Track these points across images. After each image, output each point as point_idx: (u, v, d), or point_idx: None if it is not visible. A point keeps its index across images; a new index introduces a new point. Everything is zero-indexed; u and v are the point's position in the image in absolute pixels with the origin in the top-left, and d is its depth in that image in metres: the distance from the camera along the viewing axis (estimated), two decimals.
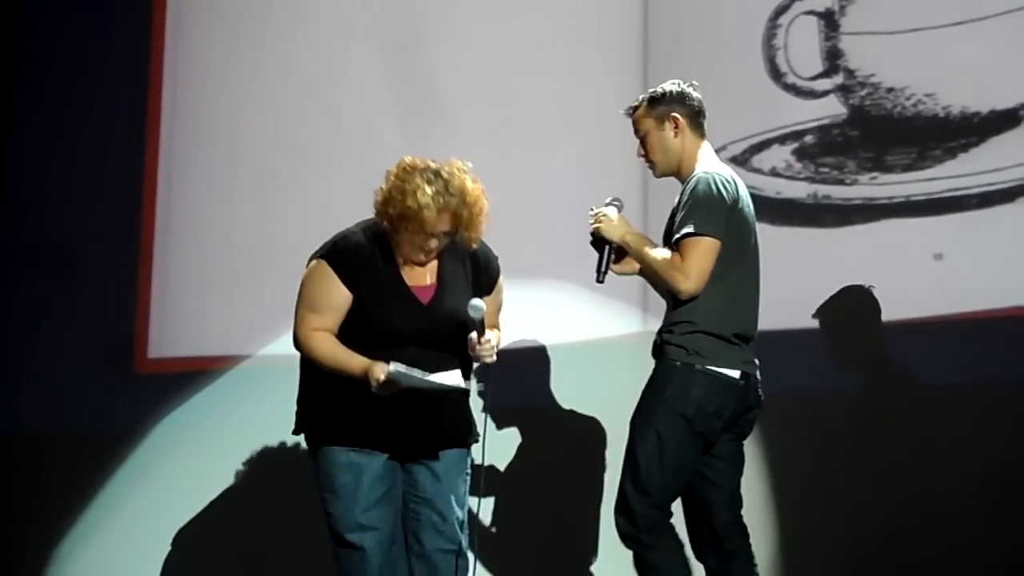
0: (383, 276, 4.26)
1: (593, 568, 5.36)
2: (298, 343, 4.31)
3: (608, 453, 5.35)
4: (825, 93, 5.39)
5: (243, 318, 5.95)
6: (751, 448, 5.15)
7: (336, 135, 5.92)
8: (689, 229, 4.26)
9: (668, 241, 4.39)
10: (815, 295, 5.21)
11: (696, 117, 4.47)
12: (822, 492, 5.17)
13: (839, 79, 5.36)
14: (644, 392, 4.35)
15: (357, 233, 4.32)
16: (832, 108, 5.35)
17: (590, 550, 5.37)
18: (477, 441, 4.39)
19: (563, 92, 5.67)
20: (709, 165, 4.40)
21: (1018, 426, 5.01)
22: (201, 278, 6.09)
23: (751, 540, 4.44)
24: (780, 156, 5.38)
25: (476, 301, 4.19)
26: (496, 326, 4.42)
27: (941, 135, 5.21)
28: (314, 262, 4.31)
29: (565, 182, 5.58)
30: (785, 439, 5.21)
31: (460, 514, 4.33)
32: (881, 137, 5.30)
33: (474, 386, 4.54)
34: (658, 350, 4.36)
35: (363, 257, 4.27)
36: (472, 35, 5.89)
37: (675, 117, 4.42)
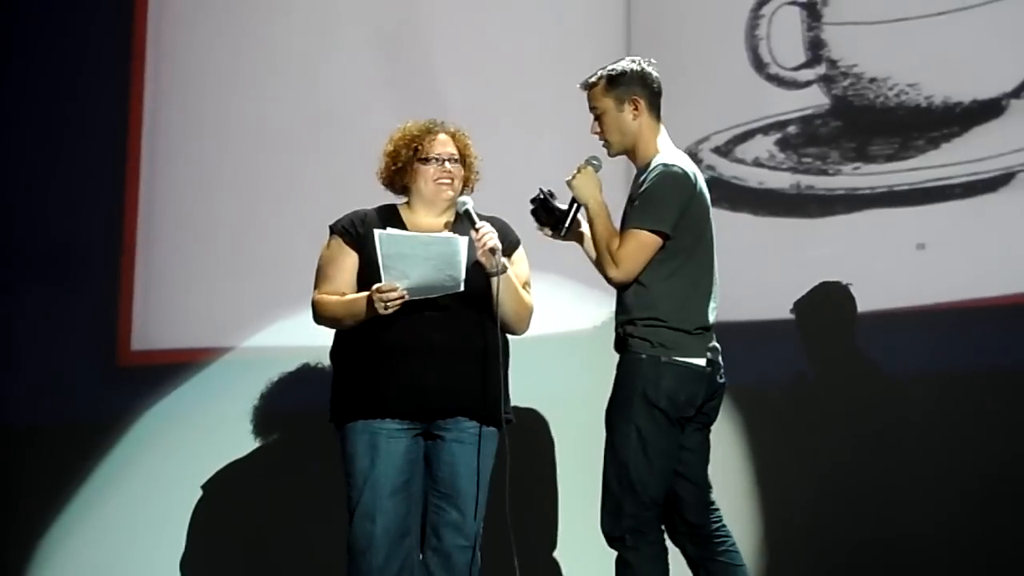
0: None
1: (586, 562, 5.38)
2: (312, 311, 4.45)
3: (592, 444, 5.35)
4: (808, 83, 5.39)
5: (227, 310, 5.94)
6: (732, 438, 5.19)
7: (320, 125, 5.91)
8: (635, 223, 4.28)
9: (622, 227, 4.37)
10: (798, 285, 5.21)
11: (655, 99, 4.42)
12: (803, 480, 5.18)
13: (822, 69, 5.36)
14: (615, 388, 4.34)
15: (364, 208, 4.52)
16: (815, 98, 5.35)
17: (579, 542, 5.38)
18: (509, 423, 4.39)
19: (545, 82, 5.64)
20: (668, 154, 4.38)
21: (1002, 414, 5.01)
22: (185, 270, 6.07)
23: (732, 529, 4.45)
24: (763, 146, 5.38)
25: (461, 197, 4.42)
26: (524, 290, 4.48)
27: (924, 125, 5.21)
28: None
29: (547, 173, 5.55)
30: (766, 429, 5.22)
31: (479, 507, 4.35)
32: (864, 127, 5.30)
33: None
34: (621, 342, 4.34)
35: (366, 217, 4.45)
36: (456, 25, 5.87)
37: (636, 100, 4.38)
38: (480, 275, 4.32)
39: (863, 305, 5.16)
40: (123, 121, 6.19)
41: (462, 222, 4.42)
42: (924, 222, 5.18)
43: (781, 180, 5.36)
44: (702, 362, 4.30)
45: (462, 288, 4.26)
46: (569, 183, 4.42)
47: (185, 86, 6.17)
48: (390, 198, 4.62)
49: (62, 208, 6.24)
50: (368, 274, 4.34)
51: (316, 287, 4.47)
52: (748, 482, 5.24)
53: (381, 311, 4.24)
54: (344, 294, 4.41)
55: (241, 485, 5.78)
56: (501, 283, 4.32)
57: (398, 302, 4.23)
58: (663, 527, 4.35)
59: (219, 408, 5.81)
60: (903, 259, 5.16)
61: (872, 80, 5.27)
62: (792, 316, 5.23)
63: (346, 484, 4.37)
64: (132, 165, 6.17)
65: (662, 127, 4.45)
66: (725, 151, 5.36)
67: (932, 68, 5.20)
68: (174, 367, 5.98)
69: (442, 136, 4.52)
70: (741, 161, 5.38)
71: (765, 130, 5.41)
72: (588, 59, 5.58)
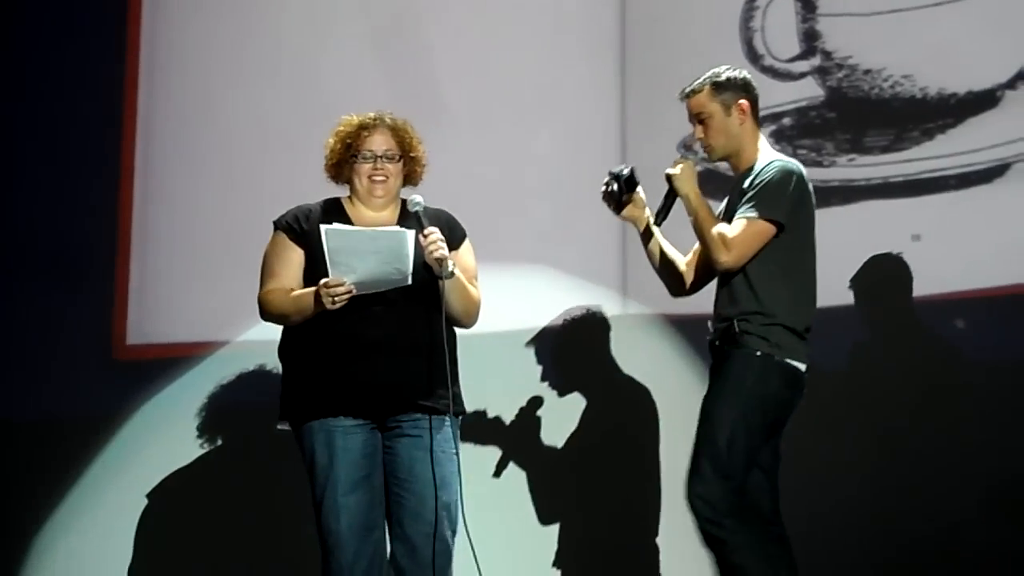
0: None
1: (579, 553, 5.38)
2: (260, 309, 4.44)
3: (586, 436, 5.37)
4: (802, 75, 5.39)
5: (222, 304, 5.94)
6: None
7: (315, 121, 5.85)
8: (749, 212, 4.32)
9: (727, 219, 4.42)
10: None
11: (757, 104, 4.51)
12: (806, 467, 5.17)
13: (816, 61, 5.36)
14: (721, 378, 4.37)
15: (309, 203, 4.50)
16: (810, 90, 5.36)
17: (576, 529, 5.39)
18: (463, 413, 4.40)
19: (540, 74, 5.67)
20: (774, 154, 4.47)
21: (999, 407, 5.02)
22: (180, 264, 6.08)
23: None
24: None
25: (414, 196, 4.36)
26: (471, 285, 4.45)
27: (919, 116, 5.22)
28: None
29: (542, 165, 5.58)
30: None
31: (445, 497, 4.33)
32: (859, 119, 5.30)
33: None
34: (731, 337, 4.36)
35: (310, 213, 4.44)
36: (452, 20, 5.88)
37: (742, 105, 4.46)
38: (426, 269, 4.30)
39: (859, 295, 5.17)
40: (118, 117, 6.19)
41: (408, 216, 4.39)
42: (919, 213, 5.18)
43: None
44: (803, 367, 4.37)
45: (409, 281, 4.25)
46: (669, 175, 4.45)
47: (179, 81, 6.18)
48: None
49: (57, 204, 6.25)
50: (314, 269, 4.33)
51: (262, 284, 4.45)
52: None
53: (329, 306, 4.22)
54: (291, 290, 4.38)
55: (237, 479, 5.78)
56: (448, 283, 4.31)
57: (345, 296, 4.21)
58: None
59: (215, 402, 5.82)
60: (898, 250, 5.16)
61: (867, 71, 5.27)
62: None
63: (309, 483, 4.38)
64: (127, 161, 6.18)
65: (761, 132, 4.52)
66: None
67: (927, 59, 5.21)
68: (170, 361, 5.99)
69: (379, 131, 4.46)
70: None
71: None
72: (583, 53, 5.63)
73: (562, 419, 5.43)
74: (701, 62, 5.37)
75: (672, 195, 4.47)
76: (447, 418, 4.36)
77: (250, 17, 6.14)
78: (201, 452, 5.80)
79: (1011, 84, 5.13)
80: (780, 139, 5.36)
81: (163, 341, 6.06)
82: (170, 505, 5.82)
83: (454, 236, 4.44)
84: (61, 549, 6.00)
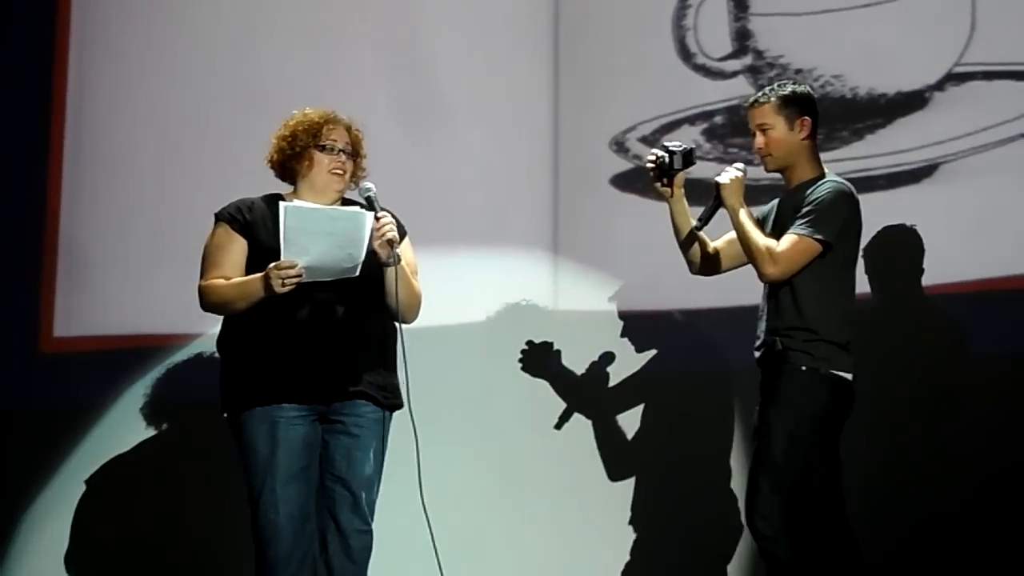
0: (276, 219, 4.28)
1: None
2: (200, 298, 4.43)
3: (516, 433, 5.38)
4: (734, 74, 5.41)
5: (152, 297, 5.90)
6: (688, 426, 5.22)
7: (247, 113, 5.86)
8: (801, 230, 4.39)
9: (775, 230, 4.49)
10: (725, 274, 5.23)
11: (817, 122, 4.58)
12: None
13: (748, 60, 5.38)
14: (769, 396, 4.43)
15: (251, 196, 4.51)
16: (741, 89, 5.37)
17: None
18: (401, 407, 4.41)
19: (473, 72, 5.66)
20: (830, 174, 4.55)
21: (936, 407, 5.06)
22: (109, 256, 6.03)
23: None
24: (689, 136, 5.39)
25: (365, 183, 4.42)
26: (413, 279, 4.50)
27: (848, 116, 5.25)
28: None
29: (474, 163, 5.58)
30: (712, 414, 5.25)
31: (374, 491, 4.39)
32: None
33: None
34: (776, 355, 4.44)
35: (252, 205, 4.46)
36: (381, 12, 5.86)
37: (805, 121, 4.53)
38: (373, 261, 4.31)
39: None
40: (46, 105, 6.14)
41: None
42: None
43: (707, 170, 5.36)
44: (850, 377, 4.43)
45: (358, 273, 4.25)
46: (719, 184, 4.52)
47: (110, 70, 6.13)
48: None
49: None
50: (257, 260, 4.33)
51: (203, 274, 4.44)
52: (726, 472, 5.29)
53: (278, 288, 4.21)
54: (230, 278, 4.39)
55: (167, 474, 5.75)
56: (394, 273, 4.34)
57: (295, 280, 4.21)
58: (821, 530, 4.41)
59: (143, 397, 5.79)
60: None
61: (798, 71, 5.30)
62: (720, 305, 5.25)
63: (245, 473, 4.38)
64: (55, 149, 6.12)
65: (818, 149, 4.60)
66: (652, 140, 5.37)
67: (857, 60, 5.24)
68: (97, 354, 5.95)
69: (341, 128, 4.52)
70: None
71: (692, 120, 5.43)
72: (516, 50, 5.63)
73: (491, 416, 5.44)
74: (634, 59, 5.42)
75: (718, 203, 4.55)
76: (386, 412, 4.40)
77: (183, 10, 6.09)
78: (127, 448, 5.76)
79: (940, 86, 5.17)
80: (712, 138, 5.39)
81: (91, 334, 6.00)
82: (98, 502, 5.78)
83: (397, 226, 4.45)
84: None
